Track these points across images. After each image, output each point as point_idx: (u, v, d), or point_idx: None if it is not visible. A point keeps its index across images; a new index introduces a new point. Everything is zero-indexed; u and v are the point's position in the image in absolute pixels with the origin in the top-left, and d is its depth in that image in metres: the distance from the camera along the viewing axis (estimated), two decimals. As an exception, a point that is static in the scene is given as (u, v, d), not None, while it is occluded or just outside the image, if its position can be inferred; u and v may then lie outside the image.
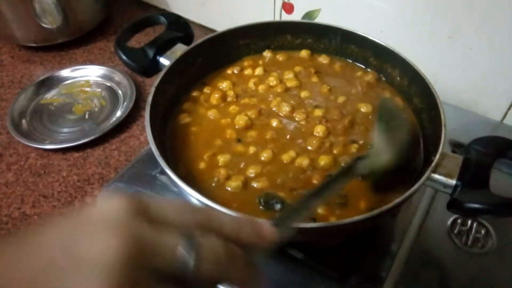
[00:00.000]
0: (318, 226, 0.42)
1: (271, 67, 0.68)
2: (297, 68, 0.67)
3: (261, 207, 0.50)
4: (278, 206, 0.49)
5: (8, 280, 0.25)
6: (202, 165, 0.55)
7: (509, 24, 0.66)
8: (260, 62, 0.69)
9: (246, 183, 0.52)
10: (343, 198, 0.50)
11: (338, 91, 0.64)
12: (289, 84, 0.64)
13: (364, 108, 0.61)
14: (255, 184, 0.52)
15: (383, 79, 0.66)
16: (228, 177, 0.52)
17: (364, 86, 0.64)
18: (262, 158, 0.55)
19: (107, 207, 0.27)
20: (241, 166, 0.54)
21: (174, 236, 0.27)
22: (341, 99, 0.62)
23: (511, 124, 0.76)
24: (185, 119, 0.61)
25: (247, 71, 0.67)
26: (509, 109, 0.75)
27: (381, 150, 0.47)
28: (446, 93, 0.63)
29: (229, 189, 0.51)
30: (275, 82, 0.65)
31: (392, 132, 0.49)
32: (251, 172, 0.53)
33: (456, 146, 0.66)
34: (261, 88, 0.64)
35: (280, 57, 0.70)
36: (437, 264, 0.55)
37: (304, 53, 0.69)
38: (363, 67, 0.68)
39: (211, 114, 0.61)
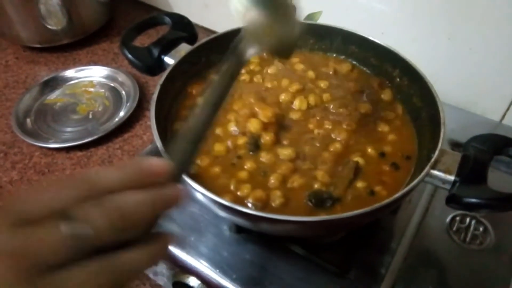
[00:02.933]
0: (320, 219, 0.43)
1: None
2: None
3: (311, 204, 0.49)
4: (329, 202, 0.49)
5: None
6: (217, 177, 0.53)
7: (507, 25, 0.67)
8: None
9: (287, 196, 0.50)
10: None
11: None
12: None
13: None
14: (292, 185, 0.51)
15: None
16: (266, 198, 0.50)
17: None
18: (281, 157, 0.54)
19: None
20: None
21: (53, 225, 0.26)
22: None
23: (510, 124, 0.76)
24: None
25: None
26: (508, 109, 0.75)
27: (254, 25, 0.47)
28: (445, 93, 0.63)
29: (273, 205, 0.50)
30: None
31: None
32: (274, 178, 0.51)
33: (456, 146, 0.67)
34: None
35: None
36: (436, 260, 0.56)
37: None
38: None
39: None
